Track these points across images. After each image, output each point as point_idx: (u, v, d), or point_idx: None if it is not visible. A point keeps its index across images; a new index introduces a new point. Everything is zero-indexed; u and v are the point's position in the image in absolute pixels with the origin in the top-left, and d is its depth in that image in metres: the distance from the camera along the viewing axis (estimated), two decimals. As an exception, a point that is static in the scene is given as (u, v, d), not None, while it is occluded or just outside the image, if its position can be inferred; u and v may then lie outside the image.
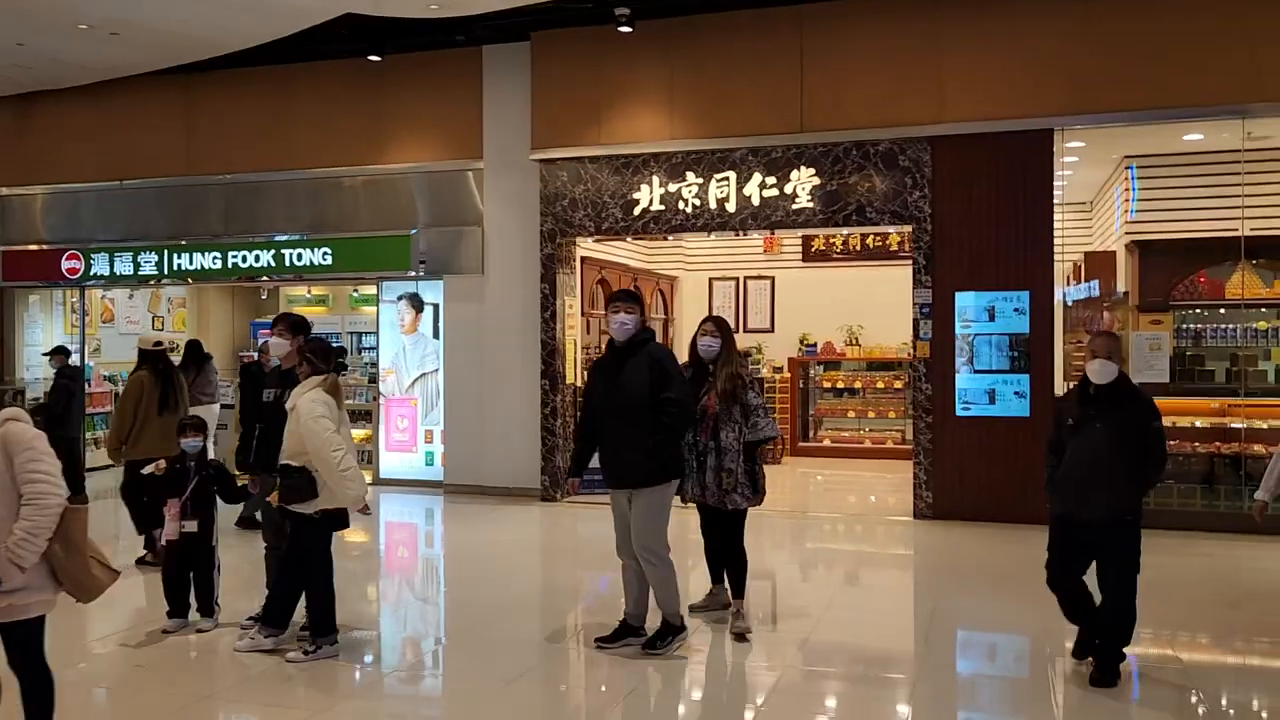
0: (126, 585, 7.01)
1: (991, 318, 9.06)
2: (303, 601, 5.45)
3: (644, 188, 10.04)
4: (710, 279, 14.66)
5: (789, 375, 13.68)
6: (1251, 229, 9.80)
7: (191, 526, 5.79)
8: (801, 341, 13.97)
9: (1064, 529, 4.88)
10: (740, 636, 5.63)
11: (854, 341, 13.75)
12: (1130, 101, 8.68)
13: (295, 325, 5.58)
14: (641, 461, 5.24)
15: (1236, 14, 8.45)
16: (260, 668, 5.26)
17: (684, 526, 6.38)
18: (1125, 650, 4.93)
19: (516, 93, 10.56)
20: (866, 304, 13.44)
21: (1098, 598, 4.92)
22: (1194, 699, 4.96)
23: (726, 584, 5.98)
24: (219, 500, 5.96)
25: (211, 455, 6.35)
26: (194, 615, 5.90)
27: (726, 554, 5.91)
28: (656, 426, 5.21)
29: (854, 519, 9.78)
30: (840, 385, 13.70)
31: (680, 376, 5.51)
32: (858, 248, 13.83)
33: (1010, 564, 7.59)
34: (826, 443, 13.62)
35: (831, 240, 13.86)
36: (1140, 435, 4.73)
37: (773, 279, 14.40)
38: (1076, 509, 4.80)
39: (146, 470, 5.95)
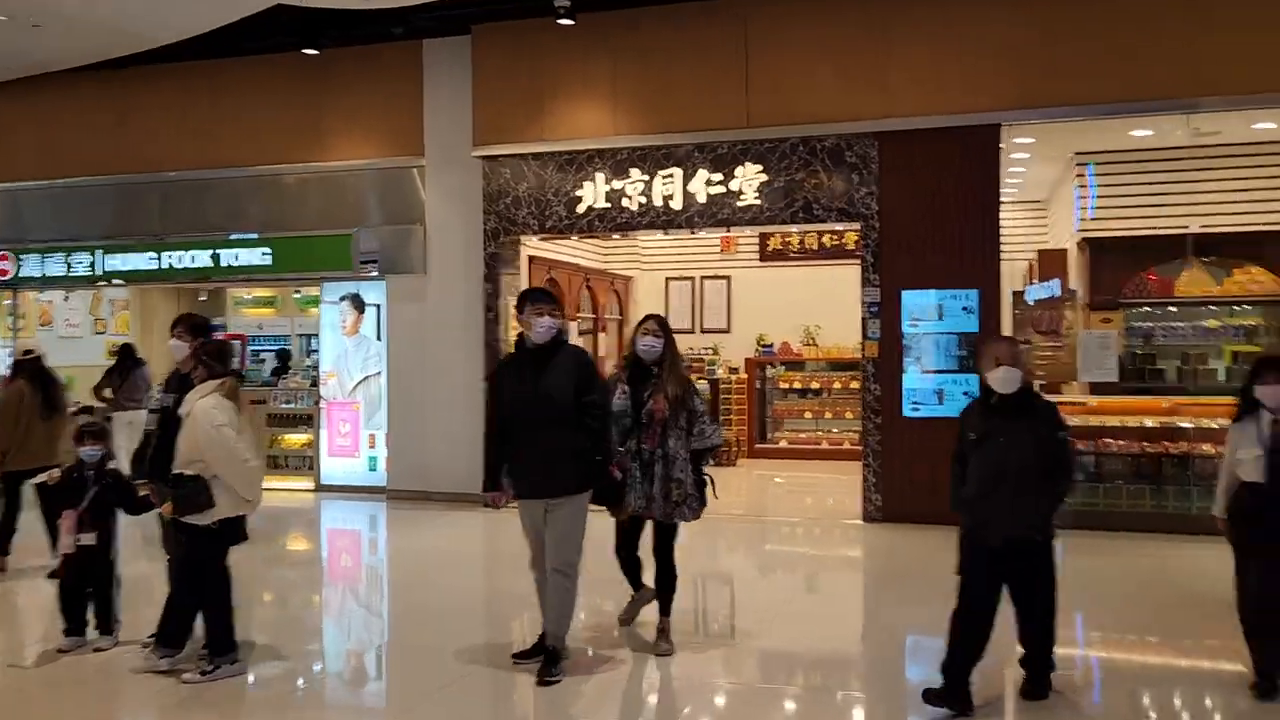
0: (21, 601, 6.75)
1: (940, 316, 8.88)
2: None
3: (588, 185, 9.81)
4: (666, 279, 14.45)
5: (746, 376, 13.50)
6: (1201, 226, 9.73)
7: (89, 539, 5.48)
8: (758, 342, 13.79)
9: (975, 549, 4.53)
10: (661, 650, 5.38)
11: (811, 342, 13.58)
12: (1077, 96, 8.52)
13: (195, 327, 5.32)
14: (573, 468, 5.01)
15: (1185, 5, 8.29)
16: (156, 689, 4.97)
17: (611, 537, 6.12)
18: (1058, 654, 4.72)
19: (458, 88, 10.30)
20: (823, 303, 13.24)
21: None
22: (1145, 700, 4.82)
23: (646, 585, 5.66)
24: (121, 512, 5.66)
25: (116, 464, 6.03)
26: (93, 633, 5.60)
27: (657, 570, 5.51)
28: (584, 432, 4.99)
29: (804, 523, 9.60)
30: (798, 386, 13.51)
31: (601, 379, 5.29)
32: (815, 247, 13.67)
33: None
34: (784, 444, 13.43)
35: (788, 239, 13.69)
36: (1046, 445, 4.45)
37: (729, 279, 14.21)
38: (985, 527, 4.47)
39: (38, 480, 5.65)
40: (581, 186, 9.82)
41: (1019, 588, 4.55)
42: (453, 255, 10.44)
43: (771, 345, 13.70)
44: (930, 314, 8.89)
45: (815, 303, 13.33)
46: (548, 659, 5.04)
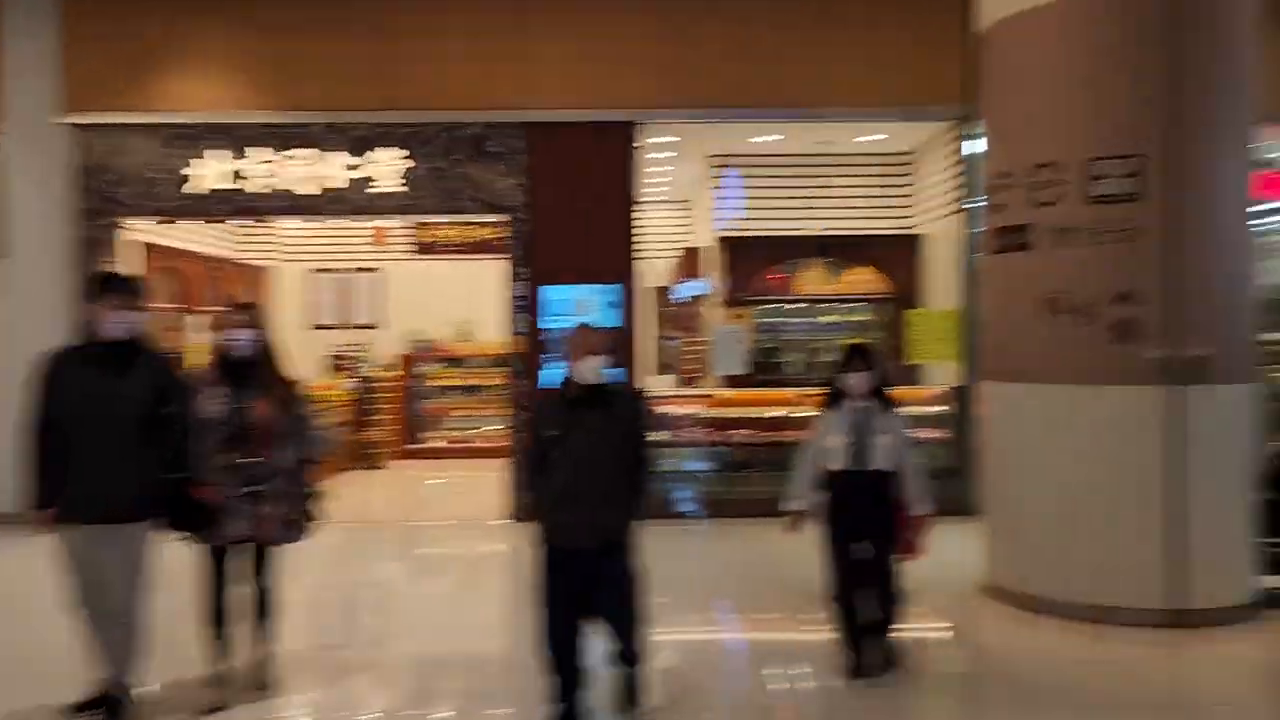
0: None
1: (584, 311, 8.85)
2: None
3: (200, 163, 8.79)
4: (312, 270, 13.47)
5: (401, 374, 12.91)
6: (824, 228, 10.51)
7: None
8: (412, 338, 13.23)
9: (554, 555, 4.19)
10: (262, 686, 4.76)
11: (466, 338, 13.24)
12: (707, 99, 8.80)
13: None
14: (143, 489, 4.34)
15: (810, 19, 8.75)
16: None
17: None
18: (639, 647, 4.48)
19: (42, 43, 8.82)
20: (480, 298, 12.89)
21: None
22: (746, 684, 4.93)
23: (231, 662, 4.81)
24: None
25: None
26: None
27: (260, 596, 4.78)
28: (161, 447, 4.36)
29: (450, 525, 9.23)
30: (454, 383, 13.12)
31: (187, 386, 4.60)
32: (473, 240, 13.31)
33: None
34: (439, 444, 12.99)
35: (443, 232, 13.23)
36: (631, 438, 4.24)
37: (382, 272, 13.51)
38: (569, 530, 4.16)
39: None
40: (194, 165, 8.79)
41: (603, 593, 4.25)
42: (38, 238, 8.93)
43: (426, 342, 13.20)
44: (574, 309, 8.84)
45: (471, 298, 12.99)
46: (109, 709, 4.29)
